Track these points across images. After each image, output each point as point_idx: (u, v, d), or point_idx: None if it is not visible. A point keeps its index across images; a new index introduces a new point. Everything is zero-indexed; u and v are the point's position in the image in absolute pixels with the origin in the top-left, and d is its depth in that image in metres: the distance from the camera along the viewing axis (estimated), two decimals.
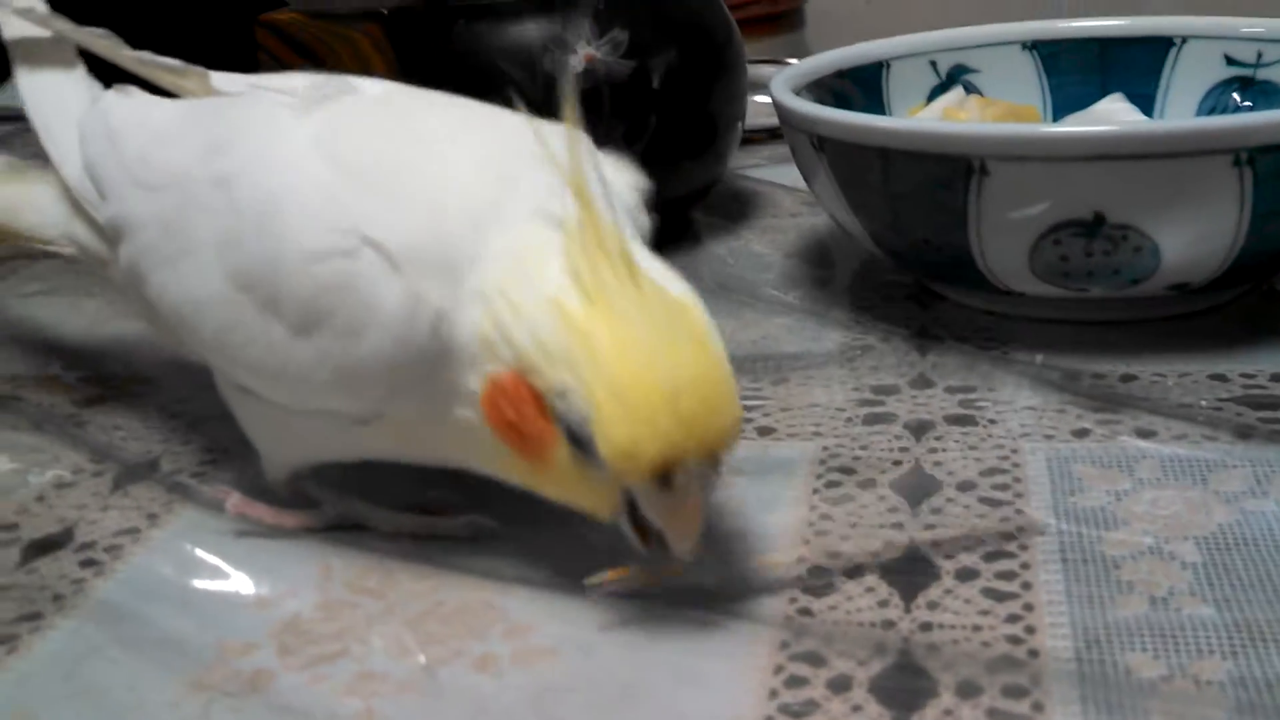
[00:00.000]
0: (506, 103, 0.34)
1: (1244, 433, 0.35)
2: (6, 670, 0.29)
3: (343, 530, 0.34)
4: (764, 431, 0.38)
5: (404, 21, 0.51)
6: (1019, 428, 0.36)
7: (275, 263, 0.29)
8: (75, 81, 0.39)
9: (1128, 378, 0.39)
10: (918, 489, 0.34)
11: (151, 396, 0.43)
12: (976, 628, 0.28)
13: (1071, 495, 0.33)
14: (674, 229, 0.56)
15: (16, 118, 0.53)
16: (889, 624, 0.28)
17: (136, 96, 0.37)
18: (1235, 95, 0.49)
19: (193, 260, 0.31)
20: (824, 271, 0.51)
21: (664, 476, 0.26)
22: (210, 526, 0.35)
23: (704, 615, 0.29)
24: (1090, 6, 0.54)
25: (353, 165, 0.30)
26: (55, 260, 0.40)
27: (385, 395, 0.29)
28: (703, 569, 0.30)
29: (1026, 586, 0.29)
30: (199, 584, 0.32)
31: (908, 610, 0.29)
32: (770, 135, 0.69)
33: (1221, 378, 0.38)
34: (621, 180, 0.32)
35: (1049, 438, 0.36)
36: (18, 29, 0.40)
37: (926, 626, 0.28)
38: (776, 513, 0.33)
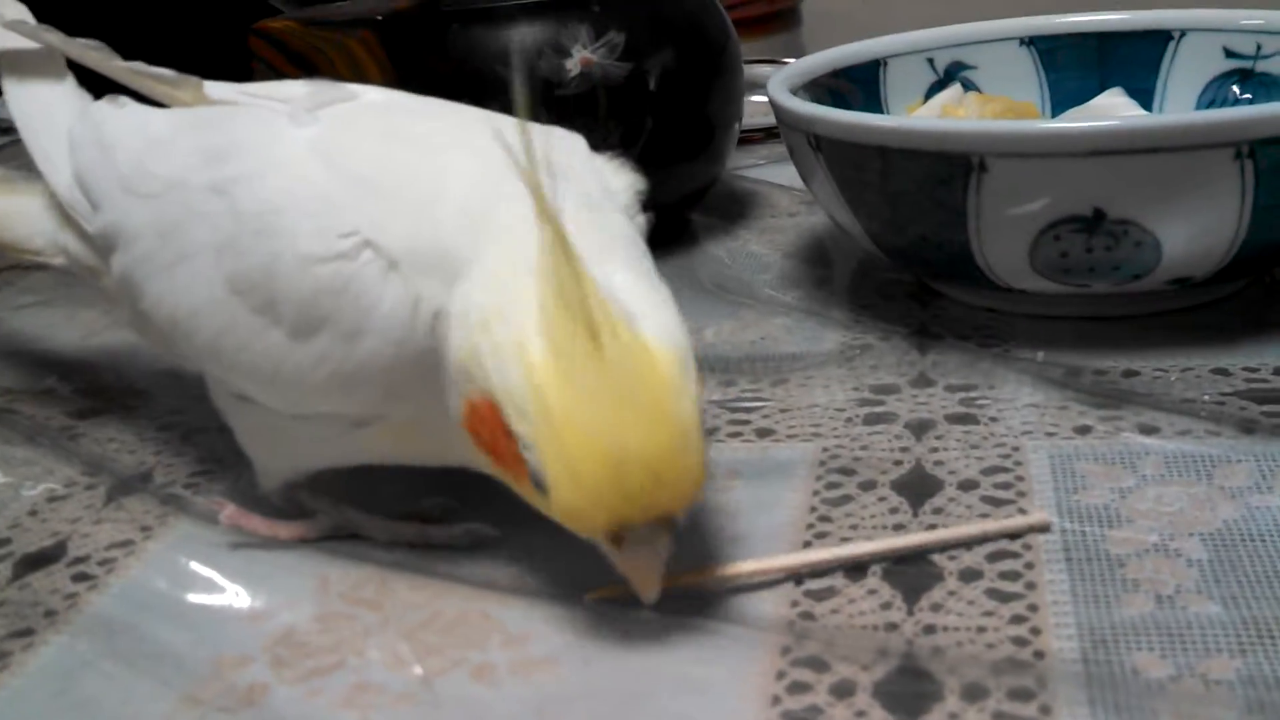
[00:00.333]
0: (503, 108, 0.33)
1: (1248, 427, 0.35)
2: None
3: (338, 540, 0.33)
4: (763, 433, 0.37)
5: (398, 27, 0.51)
6: (1021, 425, 0.36)
7: (274, 266, 0.29)
8: (65, 93, 0.39)
9: (1130, 373, 0.39)
10: (919, 489, 0.33)
11: (145, 408, 0.43)
12: (981, 629, 0.28)
13: (1075, 493, 0.32)
14: (671, 230, 0.55)
15: (4, 130, 0.53)
16: (892, 626, 0.28)
17: (129, 106, 0.37)
18: (1235, 88, 0.48)
19: (189, 267, 0.31)
20: (822, 271, 0.50)
21: (615, 536, 0.26)
22: (204, 538, 0.34)
23: (704, 621, 0.29)
24: (1088, 2, 0.53)
25: (352, 170, 0.30)
26: (49, 273, 0.40)
27: (385, 396, 0.29)
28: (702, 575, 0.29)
29: (1031, 587, 0.29)
30: (193, 597, 0.32)
31: (911, 612, 0.28)
32: (767, 134, 0.68)
33: (1224, 372, 0.38)
34: (619, 182, 0.32)
35: (1051, 435, 0.35)
36: (6, 41, 0.40)
37: (930, 629, 0.28)
38: (776, 515, 0.33)
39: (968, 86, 0.51)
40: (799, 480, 0.34)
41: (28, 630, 0.31)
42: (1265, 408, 0.36)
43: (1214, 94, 0.49)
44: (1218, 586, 0.28)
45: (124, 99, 0.37)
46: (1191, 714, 0.25)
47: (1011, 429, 0.36)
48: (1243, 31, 0.48)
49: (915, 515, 0.32)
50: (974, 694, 0.26)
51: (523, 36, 0.48)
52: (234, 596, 0.32)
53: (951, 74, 0.52)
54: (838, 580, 0.30)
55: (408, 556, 0.32)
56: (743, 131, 0.57)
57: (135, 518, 0.36)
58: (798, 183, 0.47)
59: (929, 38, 0.52)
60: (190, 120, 0.35)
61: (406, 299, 0.28)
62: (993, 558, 0.30)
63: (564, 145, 0.32)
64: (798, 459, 0.36)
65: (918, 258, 0.43)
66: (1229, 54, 0.49)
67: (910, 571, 0.30)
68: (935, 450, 0.35)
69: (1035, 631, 0.27)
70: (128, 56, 0.38)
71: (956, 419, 0.37)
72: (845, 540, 0.31)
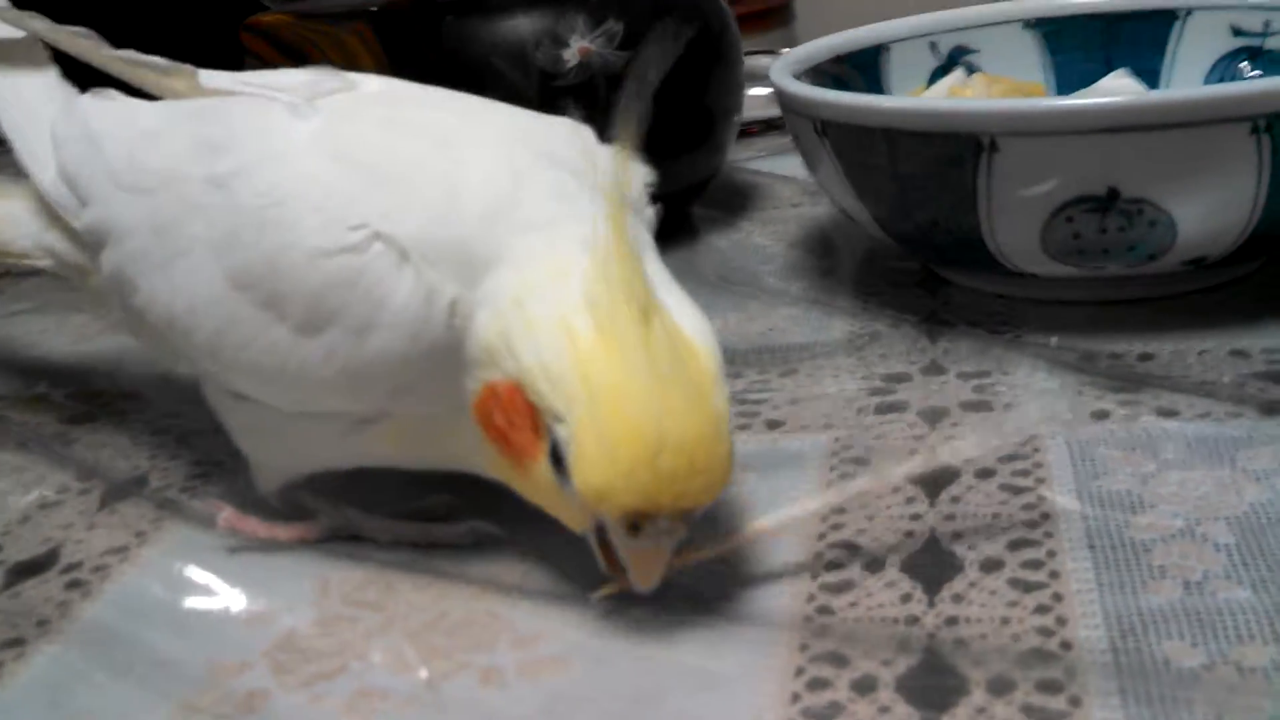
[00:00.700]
0: (500, 99, 0.33)
1: (1269, 408, 0.34)
2: None
3: (339, 541, 0.33)
4: (773, 425, 0.36)
5: (392, 19, 0.50)
6: (1037, 412, 0.35)
7: (278, 260, 0.29)
8: (48, 85, 0.38)
9: (1146, 356, 0.38)
10: (935, 478, 0.32)
11: (139, 413, 0.42)
12: (1005, 620, 0.27)
13: (1095, 479, 0.31)
14: (673, 223, 0.54)
15: None
16: (913, 620, 0.27)
17: (116, 99, 0.36)
18: (1244, 65, 0.47)
19: (186, 262, 0.30)
20: (827, 261, 0.50)
21: (633, 523, 0.26)
22: (201, 543, 0.33)
23: (718, 618, 0.28)
24: None
25: (358, 160, 0.29)
26: (41, 278, 0.39)
27: (392, 391, 0.29)
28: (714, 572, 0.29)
29: (1054, 575, 0.28)
30: (190, 603, 0.31)
31: (931, 604, 0.28)
32: (766, 127, 0.68)
33: (1243, 353, 0.37)
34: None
35: (1068, 421, 0.34)
36: None
37: (952, 621, 0.27)
38: (788, 508, 0.32)
39: (971, 71, 0.50)
40: (811, 472, 0.34)
41: (19, 640, 0.30)
42: None
43: (1222, 73, 0.48)
44: (1247, 571, 0.27)
45: (111, 91, 0.36)
46: (1226, 703, 0.24)
47: (1028, 415, 0.35)
48: (1250, 8, 0.47)
49: (932, 505, 0.31)
50: (1001, 687, 0.25)
51: (519, 27, 0.48)
52: (232, 601, 0.31)
53: (954, 58, 0.51)
54: (855, 573, 0.29)
55: (411, 556, 0.32)
56: (741, 125, 0.56)
57: (129, 523, 0.35)
58: (799, 173, 0.47)
59: (931, 21, 0.51)
60: (185, 112, 0.34)
61: (420, 291, 0.28)
62: (1013, 546, 0.29)
63: (577, 137, 0.32)
64: (809, 450, 0.35)
65: (927, 243, 0.42)
66: (1236, 32, 0.48)
67: (929, 563, 0.29)
68: (950, 438, 0.34)
69: (1061, 621, 0.26)
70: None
71: (971, 406, 0.36)
72: (861, 532, 0.30)
